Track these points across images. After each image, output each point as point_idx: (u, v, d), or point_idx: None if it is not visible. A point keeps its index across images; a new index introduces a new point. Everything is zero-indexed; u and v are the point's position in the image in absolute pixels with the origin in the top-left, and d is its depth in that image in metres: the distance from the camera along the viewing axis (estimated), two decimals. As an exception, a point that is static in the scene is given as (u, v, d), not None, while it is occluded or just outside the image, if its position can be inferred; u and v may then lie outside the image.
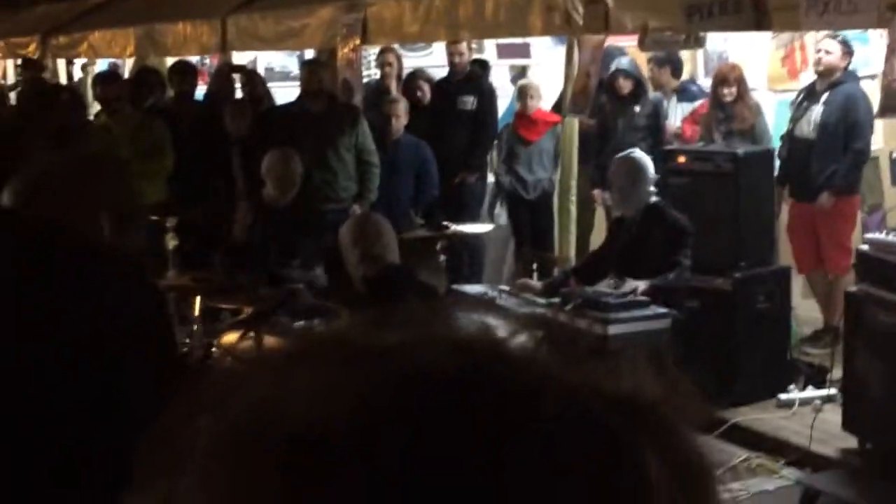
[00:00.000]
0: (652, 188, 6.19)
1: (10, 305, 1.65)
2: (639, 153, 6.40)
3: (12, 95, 11.14)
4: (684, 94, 8.36)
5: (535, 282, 6.68)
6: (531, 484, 0.53)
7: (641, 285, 5.80)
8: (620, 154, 6.55)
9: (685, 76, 8.59)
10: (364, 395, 0.55)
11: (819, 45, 7.26)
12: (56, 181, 1.96)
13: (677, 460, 0.57)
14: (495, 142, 9.02)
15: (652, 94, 8.29)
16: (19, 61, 12.58)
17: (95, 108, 8.94)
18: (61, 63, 12.96)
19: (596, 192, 8.15)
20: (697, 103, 8.22)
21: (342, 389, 0.56)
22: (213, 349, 5.19)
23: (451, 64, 8.80)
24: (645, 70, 8.41)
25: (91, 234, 1.81)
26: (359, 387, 0.55)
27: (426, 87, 8.95)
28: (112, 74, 9.99)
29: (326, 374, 0.57)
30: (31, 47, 13.16)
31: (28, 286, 1.65)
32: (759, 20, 6.46)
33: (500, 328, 0.62)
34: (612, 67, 8.10)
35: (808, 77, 7.59)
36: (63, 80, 12.27)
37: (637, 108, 8.03)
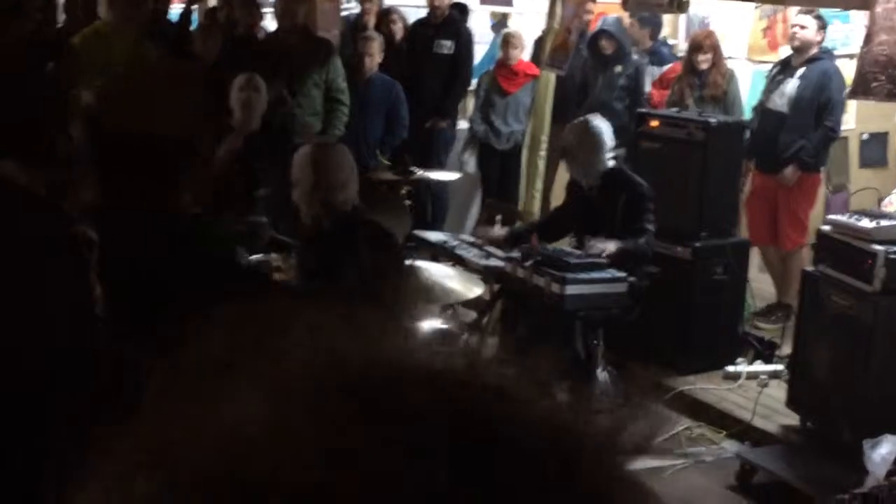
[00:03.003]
0: (609, 154, 6.08)
1: None
2: (595, 120, 6.14)
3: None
4: (654, 56, 8.33)
5: (500, 228, 6.60)
6: None
7: (611, 246, 5.76)
8: (574, 122, 6.34)
9: (660, 36, 8.56)
10: (357, 452, 0.52)
11: (794, 21, 7.25)
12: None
13: None
14: (472, 89, 8.94)
15: (635, 56, 8.24)
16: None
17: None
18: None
19: None
20: (666, 67, 8.20)
21: (322, 438, 0.53)
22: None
23: (431, 6, 8.68)
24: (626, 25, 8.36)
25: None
26: (342, 438, 0.53)
27: (400, 24, 8.84)
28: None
29: (291, 411, 0.54)
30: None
31: None
32: (743, -10, 6.44)
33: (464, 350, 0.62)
34: (598, 27, 8.05)
35: (787, 50, 7.57)
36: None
37: (618, 69, 7.98)
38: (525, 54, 8.61)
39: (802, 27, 7.08)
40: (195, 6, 8.99)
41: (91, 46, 7.27)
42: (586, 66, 8.10)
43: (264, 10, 8.70)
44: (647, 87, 8.15)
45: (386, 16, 8.90)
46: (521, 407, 0.58)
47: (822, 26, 7.11)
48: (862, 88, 5.87)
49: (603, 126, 6.09)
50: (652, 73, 8.24)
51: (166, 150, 1.83)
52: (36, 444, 1.65)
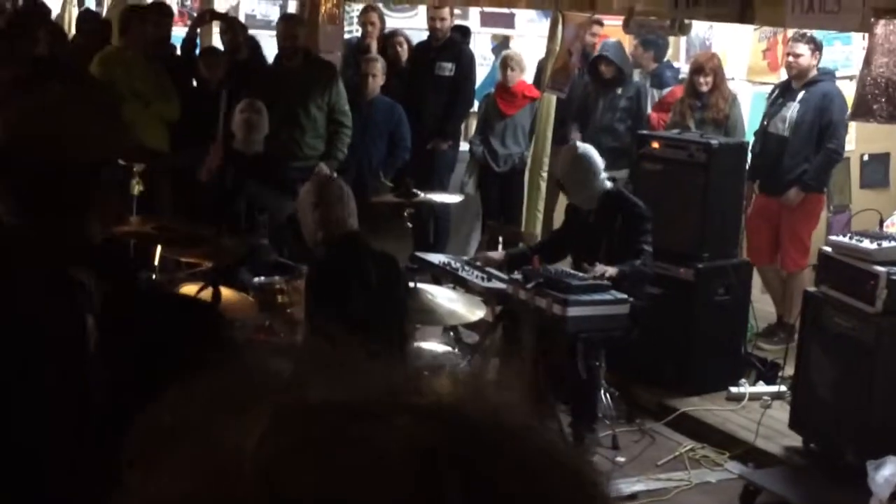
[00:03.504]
0: (604, 176, 6.14)
1: None
2: (582, 148, 6.24)
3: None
4: (655, 79, 8.36)
5: (499, 252, 6.68)
6: None
7: (610, 270, 5.78)
8: (562, 152, 6.42)
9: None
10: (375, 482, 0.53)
11: (788, 49, 7.27)
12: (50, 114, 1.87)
13: None
14: (474, 111, 8.97)
15: (636, 78, 8.27)
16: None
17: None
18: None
19: None
20: (666, 91, 8.22)
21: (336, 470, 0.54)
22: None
23: (433, 29, 8.72)
24: (629, 48, 8.39)
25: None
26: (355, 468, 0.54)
27: (404, 46, 8.88)
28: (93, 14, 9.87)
29: (298, 445, 0.55)
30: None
31: None
32: (743, 12, 6.45)
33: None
34: (597, 51, 8.09)
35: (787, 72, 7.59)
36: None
37: (619, 91, 8.01)
38: (527, 76, 8.64)
39: (797, 56, 7.10)
40: (199, 30, 9.05)
41: (110, 70, 7.35)
42: (588, 88, 8.13)
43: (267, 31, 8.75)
44: (648, 109, 8.17)
45: (390, 38, 8.94)
46: (516, 435, 0.58)
47: (817, 48, 7.12)
48: (863, 110, 5.87)
49: (591, 151, 6.15)
50: (652, 96, 8.27)
51: (71, 181, 1.82)
52: (30, 476, 1.65)
